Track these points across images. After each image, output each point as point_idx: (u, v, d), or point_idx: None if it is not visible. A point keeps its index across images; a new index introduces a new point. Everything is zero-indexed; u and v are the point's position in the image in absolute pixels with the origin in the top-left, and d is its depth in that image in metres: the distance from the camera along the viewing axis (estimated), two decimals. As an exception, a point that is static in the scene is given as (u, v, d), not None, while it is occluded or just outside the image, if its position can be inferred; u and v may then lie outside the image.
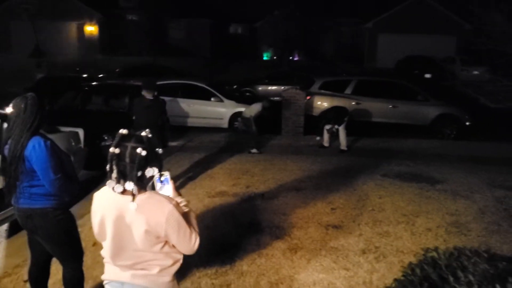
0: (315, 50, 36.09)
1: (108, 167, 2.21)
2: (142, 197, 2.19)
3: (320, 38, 34.97)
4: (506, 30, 6.05)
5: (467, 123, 11.73)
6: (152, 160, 2.23)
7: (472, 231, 5.68)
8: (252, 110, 9.60)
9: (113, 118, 9.07)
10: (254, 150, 9.48)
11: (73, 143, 6.85)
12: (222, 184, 7.36)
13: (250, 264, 4.75)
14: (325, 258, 4.91)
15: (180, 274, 4.47)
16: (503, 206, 6.57)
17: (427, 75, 22.92)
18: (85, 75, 18.15)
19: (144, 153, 2.17)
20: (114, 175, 2.18)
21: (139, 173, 2.17)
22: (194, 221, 2.36)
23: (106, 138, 7.95)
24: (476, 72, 21.87)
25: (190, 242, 2.27)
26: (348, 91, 12.40)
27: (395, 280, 2.63)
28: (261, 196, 6.83)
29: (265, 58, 39.08)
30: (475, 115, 11.73)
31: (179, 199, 2.38)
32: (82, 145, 7.15)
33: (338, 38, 38.36)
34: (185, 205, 2.39)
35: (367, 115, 12.10)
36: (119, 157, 2.18)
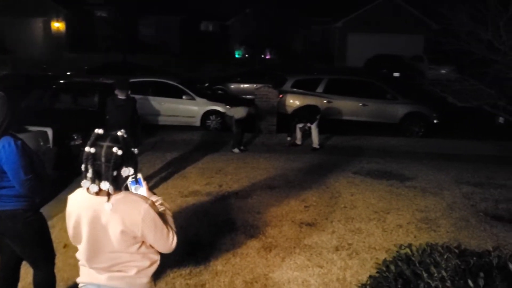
0: (286, 48, 36.26)
1: (83, 167, 2.18)
2: (118, 197, 2.18)
3: (291, 37, 35.15)
4: (472, 30, 6.19)
5: (435, 121, 12.01)
6: (128, 160, 2.23)
7: (442, 227, 5.82)
8: (237, 112, 9.51)
9: (83, 117, 8.88)
10: (235, 150, 9.44)
11: (41, 143, 6.70)
12: (195, 184, 7.32)
13: (225, 263, 4.74)
14: (299, 256, 4.95)
15: (155, 275, 4.42)
16: (471, 202, 6.75)
17: (396, 74, 23.30)
18: (50, 73, 17.58)
19: (120, 152, 2.16)
20: (89, 175, 2.16)
21: (115, 173, 2.16)
22: (170, 220, 2.36)
23: (75, 137, 7.78)
24: (443, 71, 22.38)
25: (167, 241, 2.26)
26: (319, 89, 12.51)
27: (370, 277, 2.67)
28: (234, 195, 6.82)
29: (237, 56, 39.02)
30: (443, 113, 12.02)
31: (154, 198, 2.38)
32: (50, 145, 7.00)
33: (309, 37, 38.66)
34: (161, 204, 2.38)
35: (338, 113, 12.25)
36: (94, 157, 2.16)
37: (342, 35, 33.18)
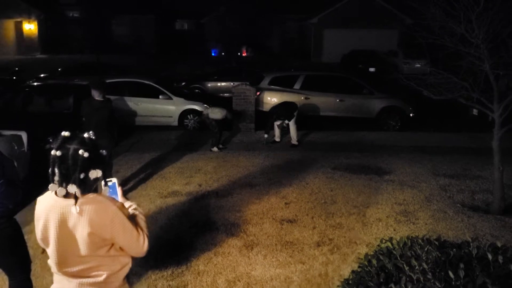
0: (262, 45, 36.26)
1: (50, 170, 2.15)
2: (85, 199, 2.14)
3: (267, 34, 35.14)
4: (445, 24, 6.27)
5: (411, 115, 12.17)
6: (96, 162, 2.19)
7: (420, 219, 5.90)
8: (214, 112, 9.42)
9: (58, 120, 8.71)
10: (214, 149, 9.38)
11: (15, 147, 6.55)
12: (174, 184, 7.26)
13: (207, 263, 4.72)
14: (281, 253, 4.96)
15: (136, 277, 4.38)
16: (448, 194, 6.86)
17: (371, 69, 23.56)
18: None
19: (86, 154, 2.13)
20: (57, 178, 2.14)
21: (82, 175, 2.13)
22: (143, 224, 2.32)
23: (51, 140, 7.62)
24: (418, 65, 22.73)
25: (138, 244, 2.23)
26: (296, 86, 12.54)
27: (353, 271, 2.68)
28: (215, 194, 6.79)
29: (213, 54, 38.87)
30: (419, 107, 12.19)
31: (127, 203, 2.35)
32: (25, 148, 6.84)
33: (285, 34, 38.72)
34: (134, 209, 2.35)
35: (316, 109, 12.30)
36: (61, 160, 2.13)
37: (317, 31, 33.34)
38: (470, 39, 5.91)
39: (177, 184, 7.25)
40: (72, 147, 2.14)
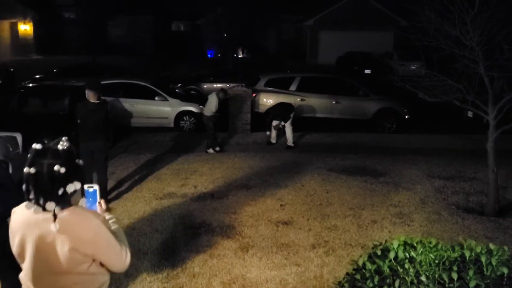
0: (259, 47, 36.30)
1: (24, 187, 1.99)
2: (65, 214, 1.98)
3: (263, 35, 35.20)
4: (440, 27, 6.30)
5: (406, 117, 12.21)
6: (74, 174, 2.03)
7: (415, 221, 5.92)
8: (210, 106, 9.36)
9: (53, 121, 8.69)
10: (210, 150, 9.36)
11: (11, 149, 6.53)
12: (170, 185, 7.25)
13: (202, 265, 4.71)
14: (276, 255, 4.96)
15: (131, 280, 4.37)
16: (442, 196, 6.89)
17: (367, 71, 23.62)
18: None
19: (63, 170, 1.96)
20: (32, 196, 1.97)
21: (60, 191, 1.97)
22: (123, 236, 2.20)
23: (46, 142, 7.60)
24: (413, 67, 22.80)
25: (121, 258, 2.09)
26: (292, 87, 12.56)
27: (347, 274, 2.68)
28: (210, 195, 6.79)
29: (209, 55, 38.88)
30: (414, 109, 12.22)
31: (107, 216, 2.20)
32: (20, 150, 6.82)
33: (281, 35, 38.80)
34: (114, 222, 2.21)
35: (312, 111, 12.32)
36: (36, 178, 1.96)
37: (313, 33, 33.40)
38: (465, 41, 5.94)
39: (173, 185, 7.24)
40: (46, 162, 1.96)
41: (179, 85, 16.21)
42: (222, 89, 9.92)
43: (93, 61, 23.10)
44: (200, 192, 6.93)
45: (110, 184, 6.86)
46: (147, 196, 6.73)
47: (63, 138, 2.06)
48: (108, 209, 2.25)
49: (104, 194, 6.45)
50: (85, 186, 2.13)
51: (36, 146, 2.01)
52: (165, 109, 11.75)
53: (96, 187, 2.17)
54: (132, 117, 11.64)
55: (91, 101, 6.34)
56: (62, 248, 1.98)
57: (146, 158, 8.82)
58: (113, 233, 2.10)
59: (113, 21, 35.29)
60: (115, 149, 9.35)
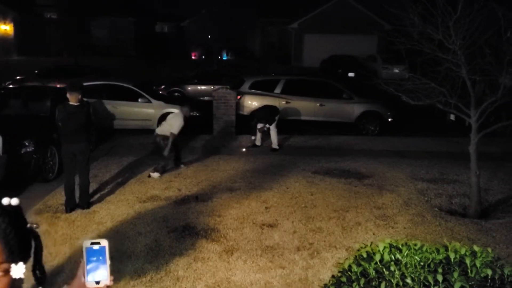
0: (243, 49, 36.32)
1: None
2: None
3: (248, 38, 35.24)
4: (423, 30, 6.36)
5: (390, 120, 12.31)
6: (18, 252, 1.22)
7: (399, 223, 5.95)
8: (172, 126, 7.92)
9: (34, 123, 8.53)
10: (155, 174, 7.75)
11: (-11, 151, 6.38)
12: (153, 188, 7.17)
13: (186, 269, 4.67)
14: (261, 257, 4.93)
15: (115, 283, 4.29)
16: (426, 198, 6.94)
17: (351, 74, 23.78)
18: None
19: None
20: None
21: None
22: None
23: (26, 144, 7.46)
24: (396, 71, 23.06)
25: None
26: (277, 90, 12.56)
27: (333, 277, 2.67)
28: (194, 198, 6.73)
29: (193, 57, 38.76)
30: (397, 112, 12.33)
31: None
32: (0, 152, 6.68)
33: (266, 38, 38.87)
34: None
35: (297, 113, 12.34)
36: None
37: (298, 36, 33.54)
38: (447, 45, 6.01)
39: (156, 188, 7.17)
40: None
41: (163, 86, 16.11)
42: (186, 104, 8.80)
43: (75, 63, 22.84)
44: (184, 195, 6.87)
45: (93, 187, 6.76)
46: (130, 199, 6.64)
47: (10, 200, 1.26)
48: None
49: (86, 197, 6.37)
50: (87, 242, 1.37)
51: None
52: (148, 111, 11.64)
53: (104, 243, 1.39)
54: (115, 119, 11.50)
55: (72, 103, 6.21)
56: None
57: (129, 161, 8.72)
58: None
59: (96, 21, 34.93)
60: (98, 152, 9.21)
